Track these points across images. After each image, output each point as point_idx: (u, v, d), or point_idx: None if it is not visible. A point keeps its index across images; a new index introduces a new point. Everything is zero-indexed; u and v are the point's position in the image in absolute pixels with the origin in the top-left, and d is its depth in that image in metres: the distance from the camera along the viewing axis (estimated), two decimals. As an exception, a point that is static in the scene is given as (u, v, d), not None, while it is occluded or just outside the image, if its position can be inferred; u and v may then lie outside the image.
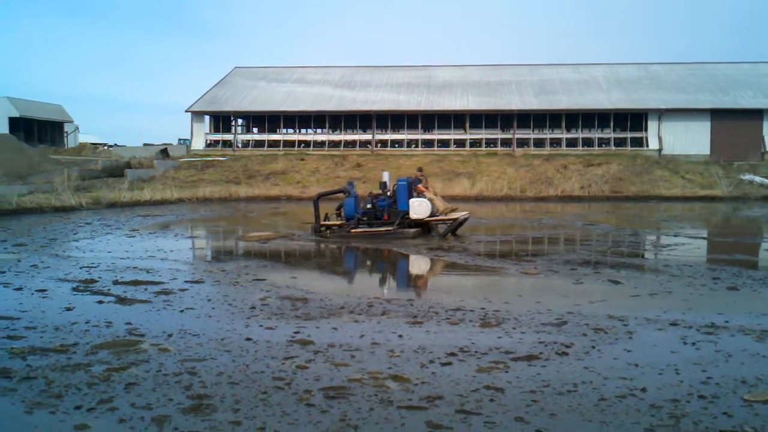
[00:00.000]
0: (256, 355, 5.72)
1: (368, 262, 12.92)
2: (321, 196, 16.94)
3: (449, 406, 4.49)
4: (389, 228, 15.71)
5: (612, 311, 7.35)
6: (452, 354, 5.67)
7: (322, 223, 16.29)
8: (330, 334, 6.43)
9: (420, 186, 17.05)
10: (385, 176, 17.03)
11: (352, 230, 15.81)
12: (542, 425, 4.17)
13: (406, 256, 12.79)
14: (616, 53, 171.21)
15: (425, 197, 16.25)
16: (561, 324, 6.77)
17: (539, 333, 6.40)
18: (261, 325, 6.77)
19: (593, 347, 5.89)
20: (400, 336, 6.31)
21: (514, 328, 6.59)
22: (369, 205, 16.11)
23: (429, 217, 15.90)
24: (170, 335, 6.37)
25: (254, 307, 7.63)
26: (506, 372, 5.19)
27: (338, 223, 16.34)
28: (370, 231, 15.84)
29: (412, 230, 15.89)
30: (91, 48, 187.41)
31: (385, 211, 16.02)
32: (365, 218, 16.02)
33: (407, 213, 15.85)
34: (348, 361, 5.53)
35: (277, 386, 4.93)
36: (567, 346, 5.89)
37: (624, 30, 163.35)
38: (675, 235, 16.33)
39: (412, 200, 15.92)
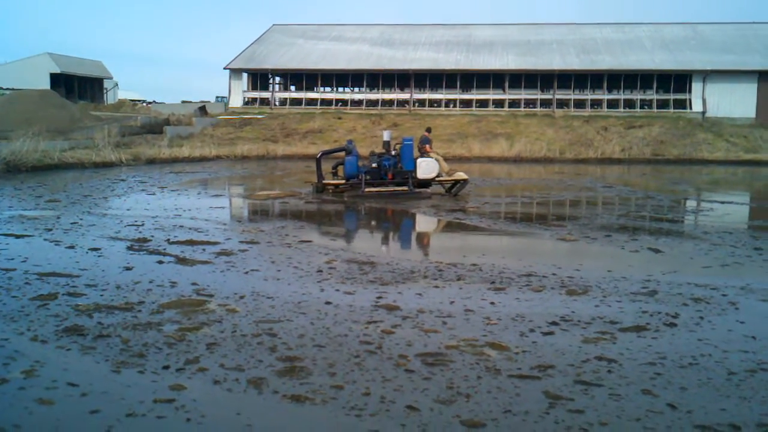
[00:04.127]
0: (336, 318, 5.49)
1: (402, 225, 12.61)
2: (324, 154, 16.64)
3: (564, 377, 4.21)
4: (405, 188, 15.63)
5: (693, 280, 7.02)
6: (554, 323, 5.38)
7: (326, 182, 16.07)
8: (416, 299, 6.16)
9: (427, 146, 16.86)
10: (386, 135, 16.75)
11: (367, 190, 15.55)
12: (674, 399, 3.87)
13: (437, 220, 12.51)
14: (662, 12, 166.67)
15: (431, 157, 16.13)
16: (652, 293, 6.42)
17: (635, 302, 6.07)
18: (337, 290, 6.51)
19: (701, 318, 5.56)
20: (492, 303, 6.03)
21: (605, 297, 6.26)
22: (374, 164, 15.85)
23: (435, 177, 15.94)
24: (242, 297, 6.15)
25: (321, 271, 7.36)
26: (614, 343, 4.89)
27: (340, 182, 16.09)
28: (386, 191, 15.66)
29: (428, 190, 16.04)
30: (130, 4, 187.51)
31: (390, 170, 15.82)
32: (368, 177, 15.75)
33: (412, 172, 15.70)
34: (438, 327, 5.26)
35: (368, 350, 4.70)
36: (673, 317, 5.56)
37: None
38: (713, 201, 15.89)
39: (419, 160, 15.88)
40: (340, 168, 16.27)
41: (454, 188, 16.30)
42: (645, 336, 5.08)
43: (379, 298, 6.19)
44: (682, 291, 6.53)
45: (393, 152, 16.19)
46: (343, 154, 16.39)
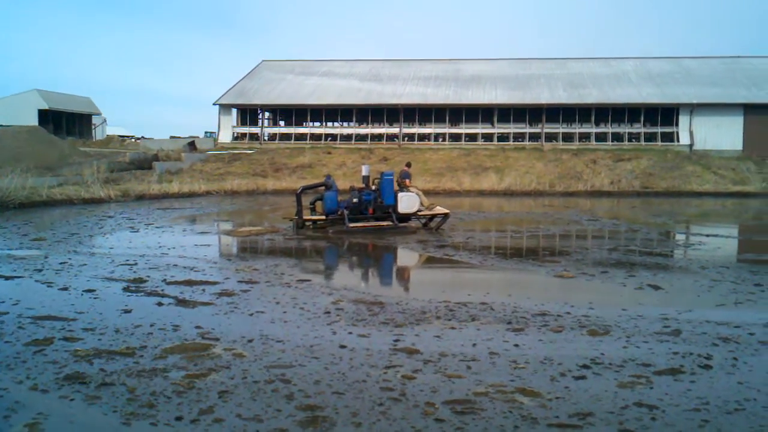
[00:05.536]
0: (352, 363, 5.24)
1: (397, 262, 12.34)
2: (304, 190, 16.38)
3: (607, 425, 3.98)
4: (389, 222, 15.53)
5: (713, 318, 6.85)
6: (584, 366, 5.15)
7: (307, 218, 15.89)
8: (436, 342, 5.91)
9: (407, 181, 16.81)
10: (365, 170, 16.55)
11: (351, 225, 15.32)
12: (729, 452, 3.67)
13: (428, 256, 12.07)
14: (648, 47, 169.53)
15: (411, 191, 16.08)
16: (676, 333, 6.22)
17: (663, 343, 5.85)
18: (350, 332, 6.25)
19: (736, 359, 5.35)
20: (516, 345, 5.79)
21: (629, 337, 6.04)
22: (355, 199, 15.66)
23: (416, 211, 15.88)
24: (250, 340, 5.89)
25: (329, 312, 7.09)
26: (651, 387, 4.67)
27: (320, 218, 15.91)
28: (370, 225, 15.49)
29: (411, 224, 15.98)
30: (119, 41, 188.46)
31: (371, 205, 15.67)
32: (348, 212, 15.51)
33: (393, 207, 15.60)
34: (463, 372, 5.02)
35: (392, 397, 4.46)
36: (707, 358, 5.36)
37: (655, 23, 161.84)
38: (703, 234, 15.81)
39: (401, 194, 15.79)
40: (318, 204, 16.12)
41: (434, 222, 16.25)
42: (682, 379, 4.87)
43: (397, 340, 5.93)
44: (706, 330, 6.33)
45: (373, 187, 16.06)
46: (323, 189, 16.28)
